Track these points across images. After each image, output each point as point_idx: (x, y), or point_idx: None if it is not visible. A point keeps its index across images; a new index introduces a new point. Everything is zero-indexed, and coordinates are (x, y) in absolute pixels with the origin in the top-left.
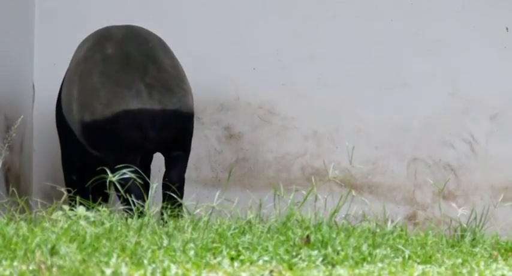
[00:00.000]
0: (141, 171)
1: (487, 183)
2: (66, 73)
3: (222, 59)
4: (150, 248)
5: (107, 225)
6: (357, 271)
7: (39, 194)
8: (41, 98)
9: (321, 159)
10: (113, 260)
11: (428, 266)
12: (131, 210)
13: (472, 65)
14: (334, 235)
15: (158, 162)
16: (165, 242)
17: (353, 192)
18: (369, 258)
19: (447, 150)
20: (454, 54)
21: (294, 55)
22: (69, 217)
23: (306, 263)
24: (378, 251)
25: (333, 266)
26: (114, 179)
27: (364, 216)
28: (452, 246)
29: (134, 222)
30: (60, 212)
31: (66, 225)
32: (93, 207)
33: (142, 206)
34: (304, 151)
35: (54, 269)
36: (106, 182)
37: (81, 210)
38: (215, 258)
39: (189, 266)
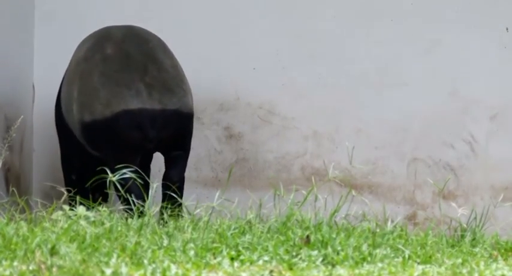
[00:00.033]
0: (141, 171)
1: (487, 183)
2: (66, 73)
3: (222, 59)
4: (150, 248)
5: (107, 225)
6: (357, 271)
7: (39, 194)
8: (41, 98)
9: (321, 159)
10: (113, 260)
11: (428, 266)
12: (131, 210)
13: (472, 65)
14: (334, 235)
15: (158, 162)
16: (165, 242)
17: (353, 192)
18: (369, 258)
19: (447, 150)
20: (454, 54)
21: (294, 55)
22: (69, 217)
23: (306, 263)
24: (378, 251)
25: (333, 266)
26: (114, 179)
27: (364, 216)
28: (452, 246)
29: (134, 222)
30: (60, 212)
31: (66, 225)
32: (93, 207)
33: (143, 206)
34: (304, 151)
35: (54, 269)
36: (106, 182)
37: (81, 210)
38: (215, 258)
39: (189, 266)
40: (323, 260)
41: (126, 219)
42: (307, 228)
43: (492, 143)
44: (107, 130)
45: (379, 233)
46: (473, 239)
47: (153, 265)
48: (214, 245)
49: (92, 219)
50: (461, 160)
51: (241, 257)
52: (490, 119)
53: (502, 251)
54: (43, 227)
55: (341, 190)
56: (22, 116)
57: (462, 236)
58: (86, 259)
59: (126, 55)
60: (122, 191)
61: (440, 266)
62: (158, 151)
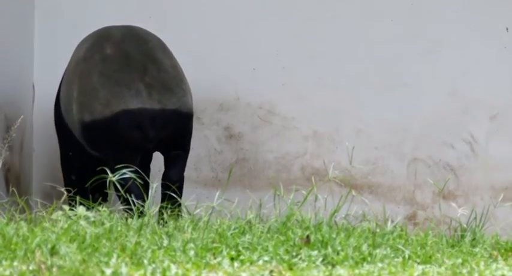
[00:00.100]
0: (141, 171)
1: (487, 183)
2: (65, 73)
3: (222, 59)
4: (150, 248)
5: (107, 225)
6: (357, 271)
7: (39, 194)
8: (41, 97)
9: (321, 159)
10: (113, 260)
11: (428, 266)
12: (131, 210)
13: (472, 65)
14: (334, 235)
15: (158, 162)
16: (165, 242)
17: (353, 192)
18: (369, 258)
19: (447, 150)
20: (454, 54)
21: (294, 55)
22: (69, 217)
23: (306, 263)
24: (378, 251)
25: (333, 266)
26: (114, 179)
27: (364, 216)
28: (452, 246)
29: (134, 222)
30: (60, 212)
31: (66, 225)
32: (93, 207)
33: (142, 206)
34: (304, 151)
35: (54, 269)
36: (106, 182)
37: (81, 210)
38: (215, 258)
39: (189, 266)
40: (323, 260)
41: (126, 219)
42: (307, 228)
43: (492, 143)
44: (106, 130)
45: (379, 233)
46: (473, 239)
47: (153, 265)
48: (214, 245)
49: (92, 219)
50: (461, 160)
51: (241, 257)
52: (490, 119)
53: (502, 251)
54: (43, 227)
55: (341, 190)
56: (22, 116)
57: (462, 236)
58: (86, 259)
59: (125, 55)
60: (122, 191)
61: (440, 266)
62: (158, 151)
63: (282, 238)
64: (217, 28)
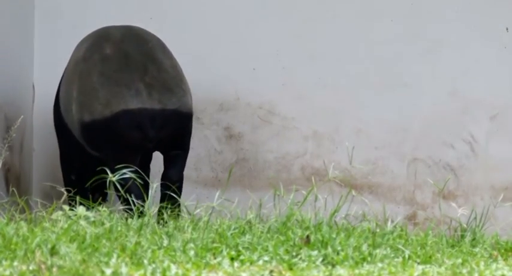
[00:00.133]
0: (140, 171)
1: (487, 183)
2: (64, 73)
3: (222, 59)
4: (150, 248)
5: (107, 225)
6: (357, 271)
7: (39, 194)
8: (41, 97)
9: (321, 159)
10: (113, 260)
11: (428, 266)
12: (131, 210)
13: (472, 65)
14: (334, 235)
15: (158, 162)
16: (165, 242)
17: (353, 192)
18: (369, 258)
19: (447, 150)
20: (454, 54)
21: (294, 55)
22: (69, 217)
23: (306, 263)
24: (378, 251)
25: (333, 266)
26: (114, 179)
27: (364, 216)
28: (452, 246)
29: (134, 222)
30: (60, 212)
31: (66, 225)
32: (93, 207)
33: (143, 206)
34: (304, 151)
35: (54, 269)
36: (106, 182)
37: (81, 210)
38: (215, 258)
39: (189, 266)
40: (323, 260)
41: (126, 219)
42: (307, 228)
43: (492, 143)
44: (106, 130)
45: (379, 233)
46: (473, 239)
47: (153, 265)
48: (214, 245)
49: (92, 219)
50: (461, 160)
51: (241, 257)
52: (490, 119)
53: (502, 251)
54: (43, 227)
55: (341, 190)
56: (22, 116)
57: (462, 236)
58: (86, 259)
59: (125, 55)
60: (122, 191)
61: (440, 266)
62: (157, 150)
63: (282, 238)
64: (217, 28)
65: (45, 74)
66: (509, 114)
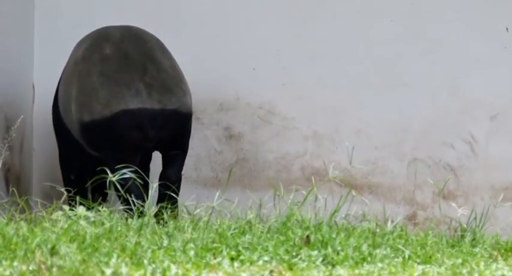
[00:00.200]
0: (140, 171)
1: (487, 183)
2: (63, 73)
3: (222, 59)
4: (150, 248)
5: (107, 225)
6: (357, 271)
7: (39, 194)
8: (41, 97)
9: (321, 159)
10: (113, 260)
11: (428, 266)
12: (131, 210)
13: (472, 65)
14: (334, 235)
15: (158, 162)
16: (165, 242)
17: (353, 192)
18: (369, 258)
19: (447, 150)
20: (454, 54)
21: (294, 55)
22: (69, 217)
23: (306, 263)
24: (378, 251)
25: (333, 266)
26: (114, 179)
27: (364, 216)
28: (452, 246)
29: (134, 222)
30: (60, 212)
31: (66, 225)
32: (92, 207)
33: (142, 206)
34: (304, 151)
35: (54, 269)
36: (106, 182)
37: (81, 210)
38: (215, 258)
39: (189, 266)
40: (323, 260)
41: (126, 219)
42: (307, 228)
43: (492, 143)
44: (106, 130)
45: (379, 233)
46: (473, 239)
47: (153, 265)
48: (214, 245)
49: (92, 219)
50: (461, 160)
51: (241, 257)
52: (490, 119)
53: (502, 251)
54: (43, 227)
55: (341, 190)
56: (22, 116)
57: (462, 236)
58: (86, 259)
59: (125, 55)
60: (122, 191)
61: (440, 266)
62: (157, 150)
63: (282, 238)
64: (217, 28)
65: (45, 74)
66: (509, 114)
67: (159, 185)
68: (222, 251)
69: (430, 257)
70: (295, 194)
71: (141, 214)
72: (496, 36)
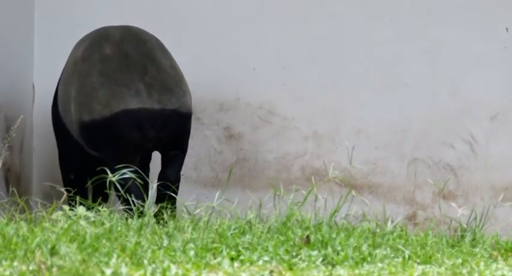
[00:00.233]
0: (140, 171)
1: (487, 183)
2: (63, 73)
3: (222, 59)
4: (150, 248)
5: (107, 225)
6: (357, 271)
7: (39, 194)
8: (41, 98)
9: (321, 159)
10: (113, 260)
11: (428, 266)
12: (131, 210)
13: (472, 65)
14: (334, 235)
15: (158, 162)
16: (165, 242)
17: (353, 192)
18: (369, 258)
19: (447, 150)
20: (454, 54)
21: (294, 55)
22: (69, 217)
23: (306, 263)
24: (378, 251)
25: (333, 266)
26: (114, 179)
27: (364, 216)
28: (452, 247)
29: (134, 222)
30: (60, 212)
31: (66, 225)
32: (92, 207)
33: (143, 206)
34: (304, 151)
35: (54, 269)
36: (106, 182)
37: (81, 210)
38: (215, 258)
39: (189, 266)
40: (323, 260)
41: (126, 219)
42: (307, 228)
43: (492, 143)
44: (106, 130)
45: (379, 233)
46: (473, 239)
47: (153, 265)
48: (214, 245)
49: (92, 219)
50: (461, 160)
51: (241, 257)
52: (490, 119)
53: (502, 251)
54: (43, 227)
55: (341, 190)
56: (22, 116)
57: (462, 236)
58: (86, 259)
59: (124, 55)
60: (122, 191)
61: (440, 266)
62: (156, 150)
63: (282, 238)
64: (217, 28)
65: (45, 74)
66: (509, 114)
67: (158, 185)
68: (222, 251)
69: (430, 257)
70: (295, 194)
71: (141, 214)
72: (496, 36)
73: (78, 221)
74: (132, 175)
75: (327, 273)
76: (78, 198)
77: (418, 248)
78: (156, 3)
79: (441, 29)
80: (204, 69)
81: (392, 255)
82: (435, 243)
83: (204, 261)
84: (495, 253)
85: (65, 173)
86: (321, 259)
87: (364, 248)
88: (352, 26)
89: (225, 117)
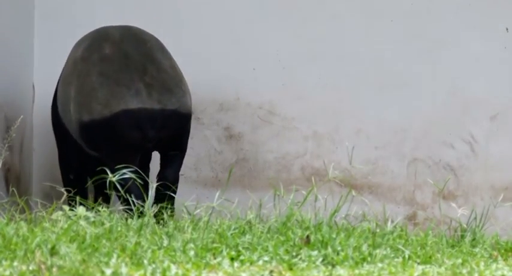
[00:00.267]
0: (140, 171)
1: (487, 183)
2: (62, 73)
3: (222, 59)
4: (150, 248)
5: (107, 225)
6: (357, 271)
7: (39, 194)
8: (41, 98)
9: (321, 159)
10: (113, 260)
11: (428, 266)
12: (131, 210)
13: (472, 65)
14: (334, 235)
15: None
16: (165, 242)
17: (353, 192)
18: (369, 259)
19: (447, 150)
20: (454, 54)
21: (294, 55)
22: (69, 217)
23: (306, 263)
24: (378, 251)
25: (333, 266)
26: (114, 179)
27: (364, 216)
28: (452, 247)
29: (134, 223)
30: (60, 212)
31: (66, 226)
32: (92, 207)
33: (142, 206)
34: (304, 151)
35: (54, 269)
36: (106, 182)
37: (81, 210)
38: (215, 258)
39: (189, 266)
40: (323, 260)
41: (126, 219)
42: (307, 228)
43: (492, 143)
44: (106, 130)
45: (379, 233)
46: (473, 239)
47: (153, 265)
48: (214, 245)
49: (92, 219)
50: (461, 160)
51: (241, 257)
52: (490, 119)
53: (502, 251)
54: (43, 227)
55: (341, 190)
56: (22, 116)
57: (462, 236)
58: (86, 259)
59: (124, 55)
60: (122, 191)
61: (440, 266)
62: (156, 150)
63: (282, 238)
64: (217, 28)
65: (45, 74)
66: (509, 114)
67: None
68: (222, 251)
69: (430, 257)
70: (295, 194)
71: (141, 214)
72: (496, 36)
73: (78, 221)
74: (132, 175)
75: (327, 273)
76: (78, 198)
77: (418, 248)
78: (156, 3)
79: (441, 29)
80: (204, 69)
81: (392, 255)
82: (435, 243)
83: (204, 261)
84: (495, 253)
85: (65, 173)
86: (321, 259)
87: (364, 248)
88: (352, 26)
89: (225, 117)
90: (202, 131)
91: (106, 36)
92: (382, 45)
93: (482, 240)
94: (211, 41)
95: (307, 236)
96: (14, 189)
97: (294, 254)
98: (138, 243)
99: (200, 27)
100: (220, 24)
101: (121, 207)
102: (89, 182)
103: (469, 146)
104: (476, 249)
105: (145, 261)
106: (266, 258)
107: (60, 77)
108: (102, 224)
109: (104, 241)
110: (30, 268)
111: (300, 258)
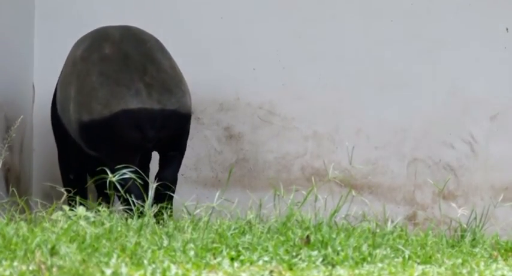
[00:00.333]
0: (140, 171)
1: (487, 183)
2: (62, 73)
3: (222, 59)
4: (150, 248)
5: (107, 225)
6: (357, 271)
7: (39, 194)
8: (41, 97)
9: (321, 160)
10: (113, 260)
11: (428, 266)
12: (131, 210)
13: (472, 65)
14: (334, 235)
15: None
16: (165, 242)
17: (353, 193)
18: (369, 259)
19: (447, 150)
20: (454, 54)
21: (294, 55)
22: (69, 217)
23: (306, 263)
24: (378, 251)
25: (333, 266)
26: (114, 179)
27: (364, 216)
28: (452, 247)
29: (134, 223)
30: (60, 212)
31: (66, 226)
32: (92, 207)
33: (142, 206)
34: (304, 151)
35: (54, 269)
36: (106, 182)
37: (81, 210)
38: (215, 258)
39: (189, 266)
40: (323, 260)
41: (126, 219)
42: (307, 228)
43: (492, 143)
44: (105, 130)
45: (379, 233)
46: (473, 239)
47: (153, 265)
48: (214, 245)
49: (92, 219)
50: (461, 160)
51: (241, 257)
52: (490, 119)
53: (502, 251)
54: (43, 227)
55: (341, 190)
56: (22, 116)
57: (462, 236)
58: (86, 259)
59: (124, 55)
60: (122, 191)
61: (440, 266)
62: (155, 150)
63: (282, 238)
64: (217, 28)
65: (45, 74)
66: (509, 114)
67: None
68: (222, 251)
69: (430, 257)
70: (295, 194)
71: (141, 214)
72: (496, 36)
73: (78, 221)
74: (132, 175)
75: (327, 273)
76: (78, 198)
77: (418, 248)
78: (155, 3)
79: (441, 29)
80: (204, 69)
81: (392, 255)
82: (435, 243)
83: (204, 261)
84: (495, 253)
85: (65, 173)
86: (321, 259)
87: (364, 248)
88: (352, 26)
89: (225, 117)
90: (202, 131)
91: (106, 36)
92: (382, 45)
93: (482, 240)
94: (211, 41)
95: (307, 236)
96: (14, 189)
97: (294, 254)
98: (138, 243)
99: (200, 27)
100: (220, 24)
101: (121, 207)
102: (89, 182)
103: (469, 146)
104: (476, 249)
105: (145, 261)
106: (266, 258)
107: (59, 77)
108: (102, 224)
109: (104, 241)
110: (30, 268)
111: (300, 258)
